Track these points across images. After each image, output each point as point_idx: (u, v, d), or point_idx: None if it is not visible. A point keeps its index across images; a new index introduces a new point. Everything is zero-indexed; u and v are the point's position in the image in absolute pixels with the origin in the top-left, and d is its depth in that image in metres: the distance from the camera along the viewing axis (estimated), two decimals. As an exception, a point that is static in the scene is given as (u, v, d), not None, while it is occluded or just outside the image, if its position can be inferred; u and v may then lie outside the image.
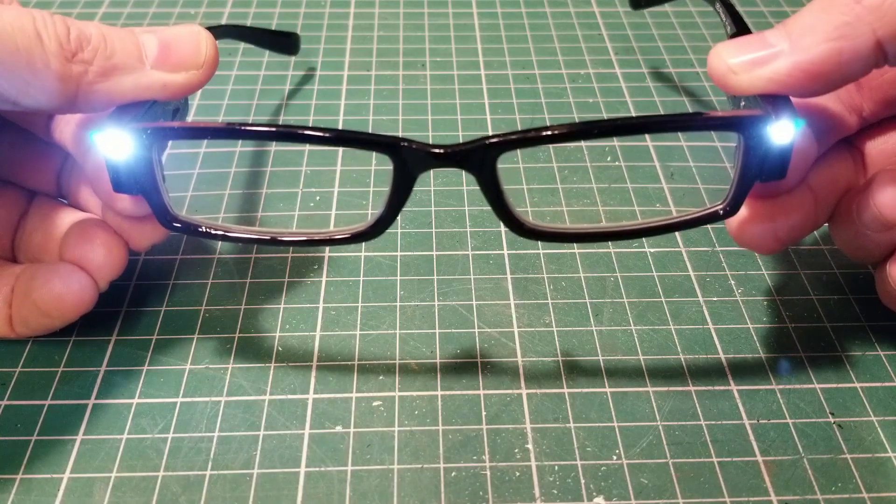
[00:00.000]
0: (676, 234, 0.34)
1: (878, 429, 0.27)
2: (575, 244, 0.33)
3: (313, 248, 0.33)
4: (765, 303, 0.31)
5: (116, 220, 0.27)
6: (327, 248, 0.33)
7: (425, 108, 0.42)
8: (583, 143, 0.39)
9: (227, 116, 0.41)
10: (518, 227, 0.26)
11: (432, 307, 0.31)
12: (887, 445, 0.26)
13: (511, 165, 0.37)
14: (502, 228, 0.34)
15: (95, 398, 0.27)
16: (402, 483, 0.25)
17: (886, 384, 0.28)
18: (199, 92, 0.41)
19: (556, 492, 0.25)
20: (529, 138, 0.24)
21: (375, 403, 0.27)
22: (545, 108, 0.42)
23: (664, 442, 0.26)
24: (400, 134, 0.40)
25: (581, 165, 0.38)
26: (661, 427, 0.27)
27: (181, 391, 0.28)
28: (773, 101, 0.24)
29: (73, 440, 0.26)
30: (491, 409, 0.27)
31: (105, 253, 0.27)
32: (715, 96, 0.43)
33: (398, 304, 0.31)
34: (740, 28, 0.29)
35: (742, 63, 0.24)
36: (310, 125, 0.40)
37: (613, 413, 0.27)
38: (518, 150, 0.37)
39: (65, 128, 0.28)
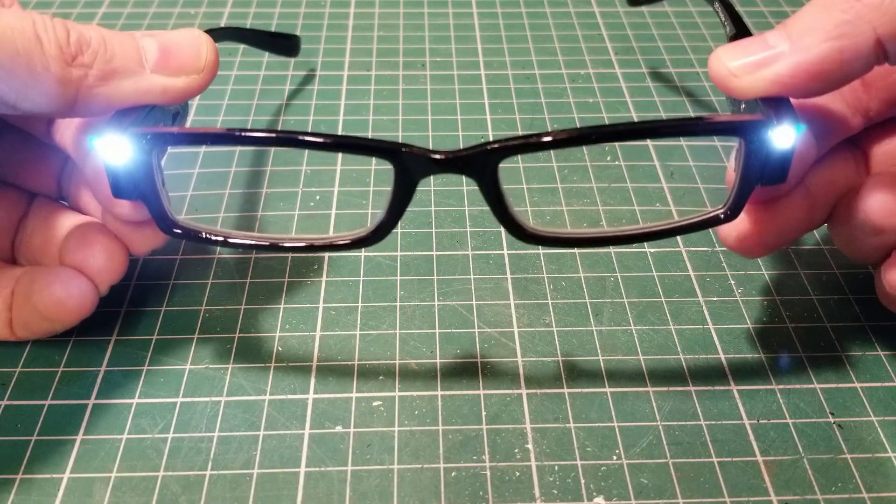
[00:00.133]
0: (676, 234, 0.34)
1: (878, 429, 0.27)
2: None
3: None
4: (765, 303, 0.31)
5: (116, 224, 0.27)
6: (327, 249, 0.33)
7: (425, 108, 0.42)
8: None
9: (227, 117, 0.41)
10: (519, 232, 0.26)
11: (432, 307, 0.31)
12: (887, 445, 0.26)
13: (511, 165, 0.37)
14: (502, 228, 0.34)
15: (95, 398, 0.27)
16: (402, 483, 0.25)
17: (886, 384, 0.28)
18: (199, 92, 0.41)
19: (556, 492, 0.25)
20: (531, 144, 0.24)
21: (375, 403, 0.27)
22: (545, 108, 0.42)
23: (664, 442, 0.26)
24: (400, 134, 0.40)
25: (581, 165, 0.38)
26: (661, 427, 0.27)
27: (181, 391, 0.28)
28: (774, 103, 0.24)
29: (73, 440, 0.26)
30: (491, 409, 0.27)
31: (105, 258, 0.27)
32: (715, 96, 0.43)
33: (398, 304, 0.31)
34: (739, 28, 0.29)
35: (743, 66, 0.24)
36: (310, 129, 0.40)
37: (613, 413, 0.27)
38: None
39: (65, 131, 0.28)
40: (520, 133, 0.40)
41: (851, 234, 0.27)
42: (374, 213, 0.35)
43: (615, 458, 0.26)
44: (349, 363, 0.29)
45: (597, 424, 0.27)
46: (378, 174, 0.37)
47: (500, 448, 0.26)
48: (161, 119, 0.26)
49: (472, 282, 0.32)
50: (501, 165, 0.24)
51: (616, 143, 0.39)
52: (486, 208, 0.25)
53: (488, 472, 0.25)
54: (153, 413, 0.27)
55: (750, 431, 0.27)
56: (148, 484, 0.25)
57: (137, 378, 0.28)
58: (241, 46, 0.46)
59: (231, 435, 0.26)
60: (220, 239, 0.27)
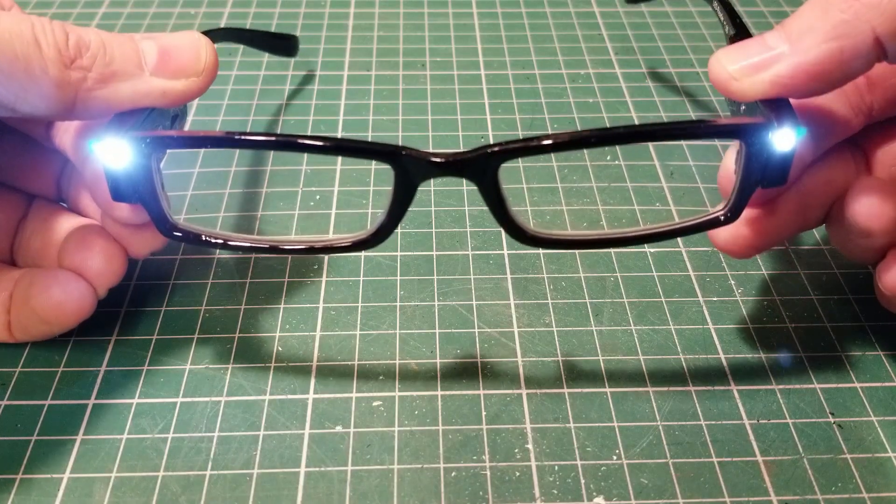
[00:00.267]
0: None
1: (878, 429, 0.27)
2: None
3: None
4: (765, 303, 0.31)
5: (115, 227, 0.27)
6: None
7: (425, 108, 0.42)
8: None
9: (227, 117, 0.41)
10: (520, 234, 0.25)
11: (432, 307, 0.31)
12: (887, 445, 0.26)
13: (511, 165, 0.37)
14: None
15: (95, 398, 0.27)
16: (402, 483, 0.25)
17: (886, 384, 0.28)
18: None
19: (556, 492, 0.25)
20: (532, 147, 0.24)
21: (375, 403, 0.27)
22: (545, 108, 0.42)
23: (664, 442, 0.26)
24: (400, 134, 0.40)
25: (581, 164, 0.38)
26: (661, 427, 0.27)
27: (181, 391, 0.28)
28: (774, 104, 0.24)
29: (73, 440, 0.26)
30: (491, 409, 0.27)
31: (104, 260, 0.27)
32: (715, 96, 0.43)
33: (398, 304, 0.31)
34: (739, 28, 0.29)
35: (743, 69, 0.24)
36: (310, 129, 0.40)
37: (613, 413, 0.27)
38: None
39: (64, 134, 0.28)
40: (520, 133, 0.40)
41: (844, 236, 0.27)
42: (374, 213, 0.35)
43: (615, 458, 0.26)
44: (349, 363, 0.29)
45: (597, 424, 0.27)
46: (378, 174, 0.37)
47: (500, 448, 0.26)
48: (160, 121, 0.26)
49: (472, 282, 0.32)
50: (501, 167, 0.24)
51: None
52: (487, 208, 0.25)
53: (488, 472, 0.25)
54: (153, 413, 0.27)
55: (750, 431, 0.27)
56: (148, 484, 0.25)
57: (137, 378, 0.28)
58: (241, 47, 0.46)
59: (231, 435, 0.26)
60: (220, 241, 0.27)
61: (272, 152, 0.38)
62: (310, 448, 0.26)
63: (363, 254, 0.33)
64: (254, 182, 0.37)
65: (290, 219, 0.35)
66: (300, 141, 0.24)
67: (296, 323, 0.30)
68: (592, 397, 0.28)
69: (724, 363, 0.29)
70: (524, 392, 0.28)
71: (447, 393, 0.28)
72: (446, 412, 0.27)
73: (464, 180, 0.25)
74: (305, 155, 0.38)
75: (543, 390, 0.28)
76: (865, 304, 0.31)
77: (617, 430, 0.27)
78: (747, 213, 0.26)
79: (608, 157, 0.38)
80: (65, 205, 0.31)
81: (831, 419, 0.27)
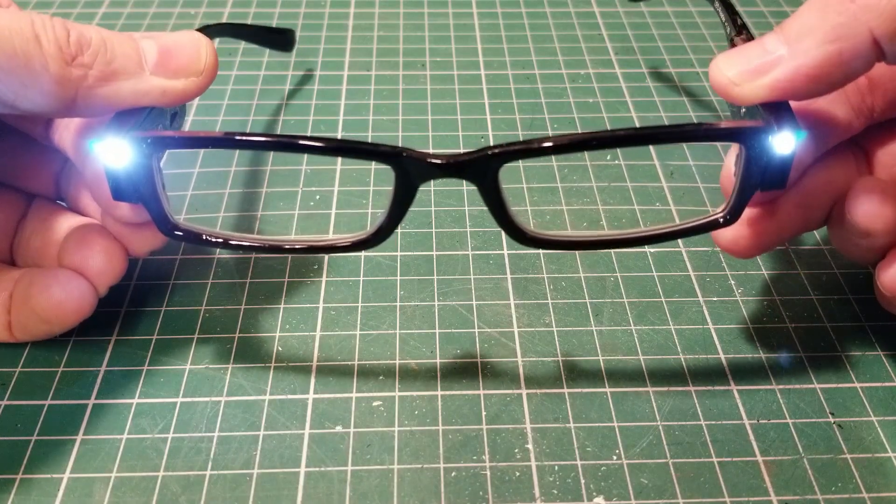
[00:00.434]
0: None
1: (878, 429, 0.27)
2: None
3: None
4: (765, 303, 0.31)
5: (116, 226, 0.27)
6: (327, 249, 0.33)
7: (425, 108, 0.42)
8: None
9: (227, 117, 0.41)
10: (520, 235, 0.26)
11: (432, 307, 0.31)
12: (887, 445, 0.26)
13: (510, 165, 0.37)
14: (502, 228, 0.34)
15: (95, 398, 0.27)
16: (402, 483, 0.25)
17: (886, 384, 0.28)
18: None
19: (556, 492, 0.25)
20: (532, 149, 0.24)
21: (375, 403, 0.27)
22: (545, 108, 0.42)
23: (664, 442, 0.26)
24: (400, 135, 0.40)
25: (581, 164, 0.38)
26: (661, 427, 0.27)
27: (181, 391, 0.28)
28: (774, 108, 0.24)
29: (73, 440, 0.26)
30: (491, 409, 0.27)
31: (104, 259, 0.27)
32: (715, 97, 0.43)
33: (398, 304, 0.31)
34: (740, 29, 0.29)
35: (742, 73, 0.24)
36: (310, 129, 0.40)
37: (613, 413, 0.27)
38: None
39: (64, 133, 0.28)
40: (520, 134, 0.40)
41: (845, 236, 0.27)
42: (374, 213, 0.35)
43: (615, 458, 0.26)
44: (349, 363, 0.29)
45: (597, 424, 0.27)
46: (378, 174, 0.37)
47: (500, 448, 0.26)
48: (159, 120, 0.26)
49: (472, 282, 0.32)
50: (501, 168, 0.24)
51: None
52: (487, 209, 0.25)
53: (488, 472, 0.25)
54: (153, 413, 0.27)
55: (750, 431, 0.27)
56: (148, 484, 0.25)
57: (137, 378, 0.28)
58: (241, 46, 0.46)
59: (231, 435, 0.26)
60: (220, 241, 0.27)
61: (272, 153, 0.38)
62: (310, 448, 0.26)
63: (363, 254, 0.33)
64: (254, 182, 0.37)
65: (290, 219, 0.35)
66: (300, 142, 0.24)
67: (296, 323, 0.30)
68: (592, 397, 0.28)
69: (724, 363, 0.29)
70: (524, 392, 0.28)
71: (447, 393, 0.28)
72: (446, 412, 0.27)
73: (464, 180, 0.25)
74: (306, 155, 0.38)
75: (543, 390, 0.28)
76: (865, 304, 0.31)
77: (617, 430, 0.27)
78: (749, 213, 0.26)
79: (608, 157, 0.38)
80: (63, 204, 0.31)
81: (831, 419, 0.27)
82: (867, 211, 0.25)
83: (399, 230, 0.34)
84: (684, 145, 0.39)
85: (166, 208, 0.26)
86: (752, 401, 0.27)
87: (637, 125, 0.41)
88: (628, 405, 0.27)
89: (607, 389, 0.28)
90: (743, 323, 0.30)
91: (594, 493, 0.25)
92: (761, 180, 0.24)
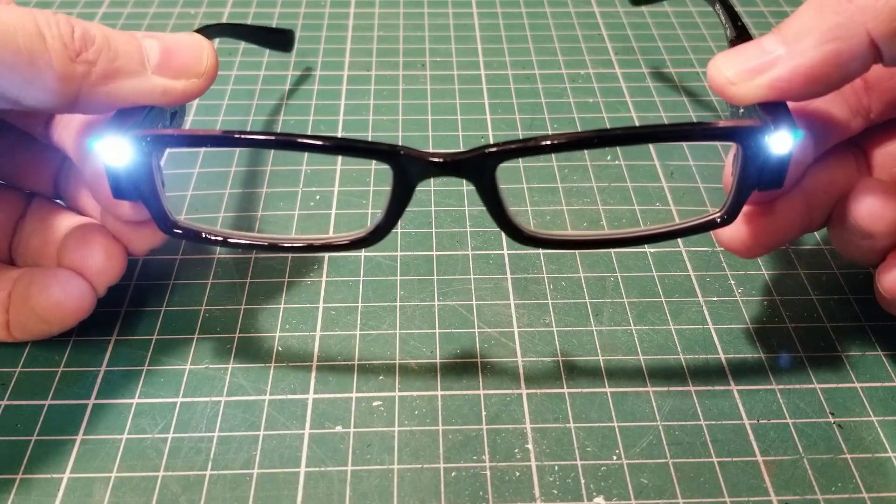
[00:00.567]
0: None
1: (878, 429, 0.27)
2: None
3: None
4: (765, 303, 0.31)
5: (115, 224, 0.27)
6: (327, 249, 0.33)
7: (425, 108, 0.42)
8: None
9: (227, 116, 0.41)
10: (517, 234, 0.26)
11: (432, 307, 0.31)
12: (887, 445, 0.26)
13: (510, 165, 0.37)
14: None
15: (95, 398, 0.27)
16: (402, 483, 0.25)
17: (886, 384, 0.28)
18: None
19: (556, 492, 0.25)
20: (529, 147, 0.24)
21: (375, 403, 0.27)
22: (545, 108, 0.42)
23: (664, 442, 0.26)
24: (400, 134, 0.40)
25: (581, 164, 0.38)
26: (661, 427, 0.27)
27: (181, 391, 0.28)
28: (772, 108, 0.24)
29: (73, 440, 0.26)
30: (491, 409, 0.27)
31: (104, 258, 0.27)
32: (715, 97, 0.43)
33: (398, 304, 0.31)
34: (739, 29, 0.29)
35: (740, 73, 0.24)
36: (310, 129, 0.40)
37: (613, 413, 0.27)
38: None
39: (63, 131, 0.28)
40: (520, 133, 0.40)
41: (846, 237, 0.27)
42: (374, 213, 0.35)
43: (615, 458, 0.26)
44: (349, 363, 0.29)
45: (597, 424, 0.27)
46: (378, 174, 0.37)
47: (500, 448, 0.26)
48: (159, 119, 0.26)
49: (472, 282, 0.32)
50: (500, 167, 0.24)
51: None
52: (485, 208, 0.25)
53: (488, 472, 0.25)
54: (153, 413, 0.27)
55: (750, 431, 0.27)
56: (148, 484, 0.25)
57: (137, 378, 0.28)
58: (241, 46, 0.46)
59: (231, 435, 0.26)
60: (220, 239, 0.27)
61: (272, 152, 0.38)
62: (310, 448, 0.26)
63: (363, 254, 0.33)
64: (254, 182, 0.37)
65: (290, 219, 0.35)
66: (299, 140, 0.25)
67: (296, 323, 0.30)
68: (592, 397, 0.28)
69: (724, 363, 0.29)
70: (524, 392, 0.28)
71: (447, 393, 0.28)
72: (446, 412, 0.27)
73: (463, 180, 0.25)
74: (305, 155, 0.38)
75: (543, 390, 0.28)
76: (865, 304, 0.31)
77: (617, 430, 0.27)
78: (751, 214, 0.26)
79: (608, 157, 0.38)
80: (62, 202, 0.31)
81: (831, 419, 0.27)
82: (869, 212, 0.25)
83: (399, 230, 0.34)
84: (684, 145, 0.39)
85: (166, 206, 0.26)
86: (752, 401, 0.27)
87: (637, 125, 0.41)
88: (628, 405, 0.27)
89: (607, 389, 0.28)
90: (743, 323, 0.30)
91: (594, 493, 0.25)
92: (758, 180, 0.24)
